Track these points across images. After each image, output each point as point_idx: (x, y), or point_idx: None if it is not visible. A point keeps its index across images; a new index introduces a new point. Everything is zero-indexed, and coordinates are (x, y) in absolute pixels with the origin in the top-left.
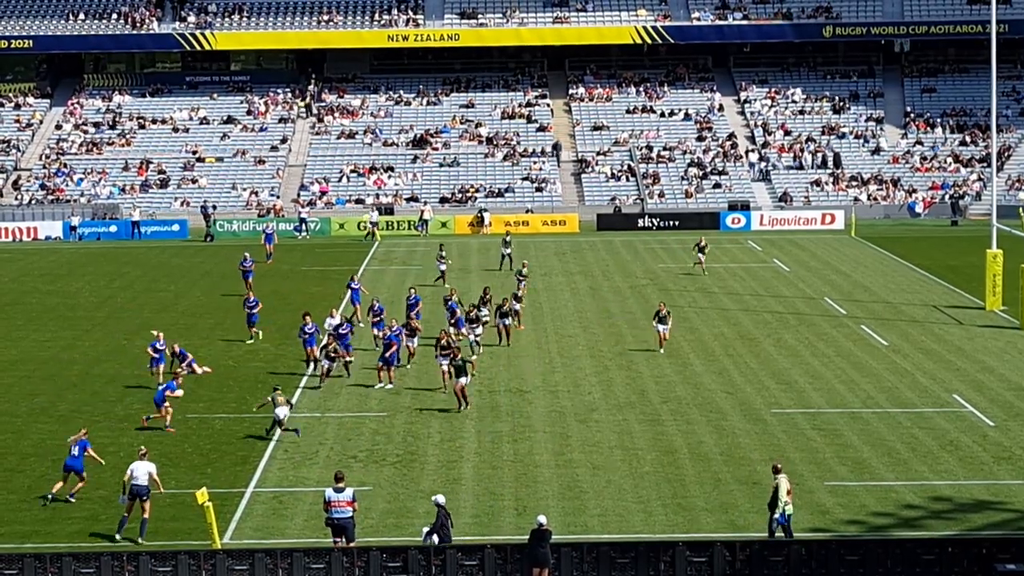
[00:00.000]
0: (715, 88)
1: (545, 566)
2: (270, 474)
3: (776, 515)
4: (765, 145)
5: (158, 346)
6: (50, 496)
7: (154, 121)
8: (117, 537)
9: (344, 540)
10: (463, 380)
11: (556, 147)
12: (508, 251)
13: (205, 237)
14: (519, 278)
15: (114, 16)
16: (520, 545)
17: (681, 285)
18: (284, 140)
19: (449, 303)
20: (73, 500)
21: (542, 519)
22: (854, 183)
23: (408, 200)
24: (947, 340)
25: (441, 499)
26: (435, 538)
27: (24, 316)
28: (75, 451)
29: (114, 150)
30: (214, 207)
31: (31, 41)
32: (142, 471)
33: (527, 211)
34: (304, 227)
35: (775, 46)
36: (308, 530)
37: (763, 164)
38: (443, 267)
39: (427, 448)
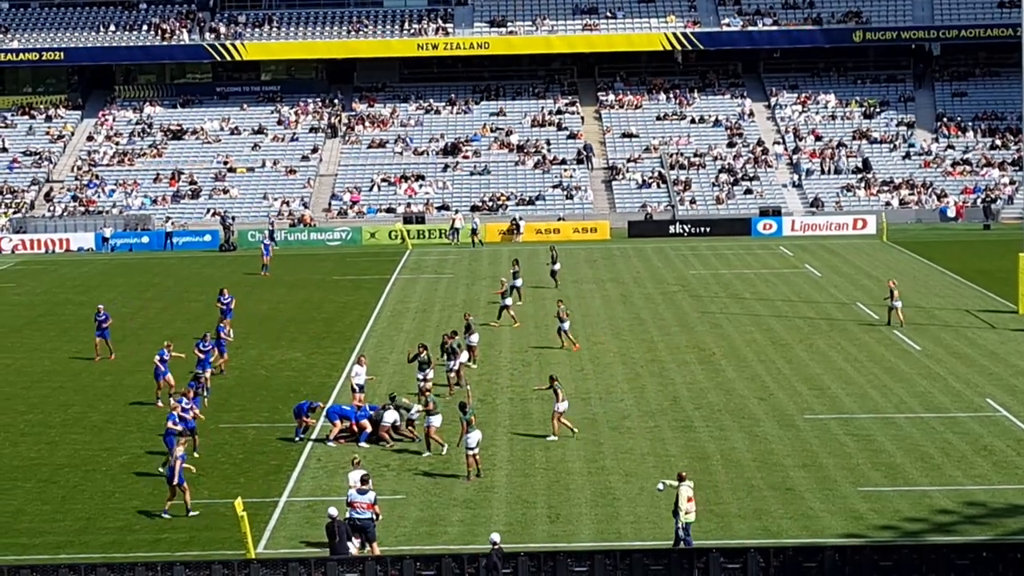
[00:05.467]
0: (745, 94)
1: None
2: (303, 483)
3: (677, 523)
4: (796, 150)
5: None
6: None
7: (185, 132)
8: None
9: (365, 541)
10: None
11: (587, 148)
12: (557, 268)
13: (220, 247)
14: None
15: (144, 28)
16: (553, 552)
17: (712, 291)
18: (315, 150)
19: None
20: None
21: (495, 537)
22: (885, 188)
23: (439, 209)
24: (980, 344)
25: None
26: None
27: (57, 327)
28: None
29: (145, 161)
30: (233, 218)
31: (62, 53)
32: (356, 479)
33: (558, 219)
34: (271, 239)
35: (805, 51)
36: None
37: (796, 173)
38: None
39: (459, 456)
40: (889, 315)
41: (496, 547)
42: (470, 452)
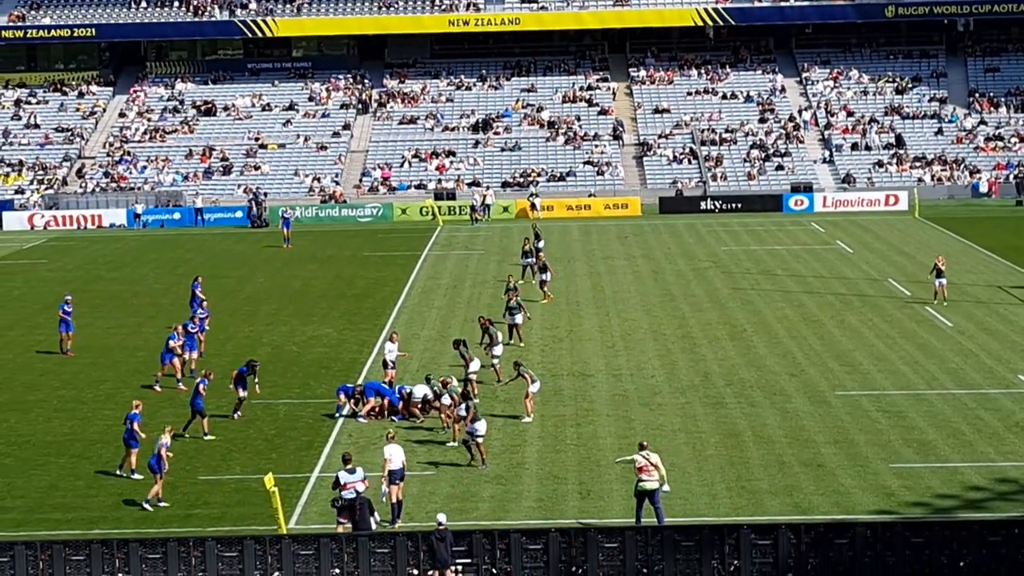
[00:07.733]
0: (777, 70)
1: (446, 567)
2: (335, 459)
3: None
4: (828, 126)
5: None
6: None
7: (216, 108)
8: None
9: (353, 518)
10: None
11: (619, 124)
12: (540, 245)
13: (252, 223)
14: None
15: (176, 4)
16: (583, 529)
17: (743, 267)
18: (346, 126)
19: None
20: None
21: (441, 518)
22: (917, 164)
23: (470, 185)
24: (1012, 321)
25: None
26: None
27: (89, 303)
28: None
29: (177, 137)
30: (265, 194)
31: (94, 30)
32: (399, 454)
33: (589, 195)
34: (259, 217)
35: (837, 27)
36: None
37: (827, 149)
38: None
39: (490, 432)
40: (943, 291)
41: (441, 527)
42: (476, 437)
